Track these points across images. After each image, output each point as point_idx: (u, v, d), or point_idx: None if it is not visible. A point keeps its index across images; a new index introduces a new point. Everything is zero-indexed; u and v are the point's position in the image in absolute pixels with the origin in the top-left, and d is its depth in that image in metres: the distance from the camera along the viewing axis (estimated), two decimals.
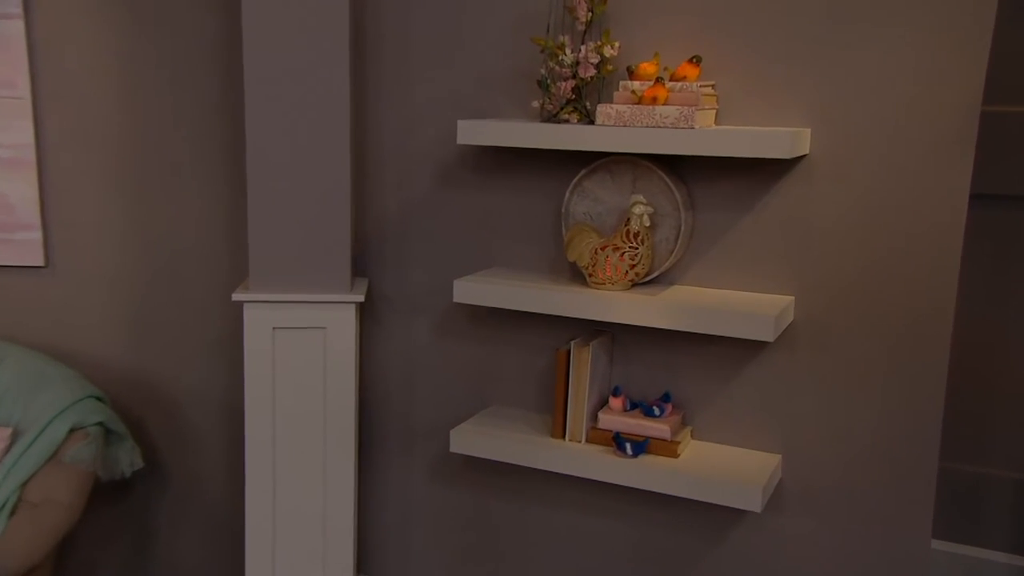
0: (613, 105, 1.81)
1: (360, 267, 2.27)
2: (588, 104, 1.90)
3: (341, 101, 2.03)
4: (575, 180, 1.96)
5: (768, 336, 1.69)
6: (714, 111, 1.86)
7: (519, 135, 1.85)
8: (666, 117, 1.77)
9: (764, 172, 1.84)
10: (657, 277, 1.94)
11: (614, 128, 1.77)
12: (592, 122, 1.86)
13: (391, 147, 2.18)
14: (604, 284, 1.89)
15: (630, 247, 1.86)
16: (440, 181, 2.14)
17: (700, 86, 1.80)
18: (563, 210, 1.97)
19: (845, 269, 1.81)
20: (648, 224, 1.86)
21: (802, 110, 1.78)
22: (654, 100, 1.80)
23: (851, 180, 1.78)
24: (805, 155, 1.80)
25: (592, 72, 1.88)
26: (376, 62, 2.17)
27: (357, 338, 2.19)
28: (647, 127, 1.75)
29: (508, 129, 1.87)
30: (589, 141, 1.79)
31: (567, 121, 1.90)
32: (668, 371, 1.97)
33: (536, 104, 1.95)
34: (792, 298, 1.84)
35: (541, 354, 2.10)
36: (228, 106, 2.33)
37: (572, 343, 1.93)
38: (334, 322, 2.10)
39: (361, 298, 2.11)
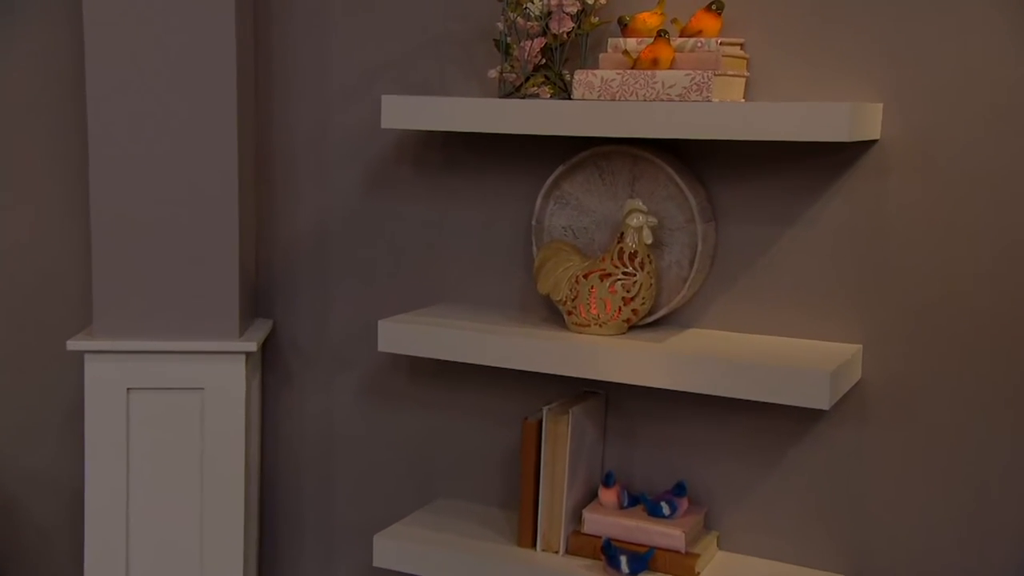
0: (597, 71, 1.69)
1: (262, 304, 2.22)
2: (567, 73, 1.81)
3: (224, 77, 1.97)
4: (550, 181, 1.86)
5: (822, 402, 1.56)
6: (742, 80, 1.74)
7: (465, 115, 1.74)
8: (671, 86, 1.64)
9: (816, 166, 1.74)
10: (665, 317, 1.85)
11: (598, 104, 1.65)
12: (570, 96, 1.78)
13: (304, 141, 2.14)
14: (588, 326, 1.78)
15: (624, 273, 1.74)
16: (370, 186, 2.08)
17: (721, 43, 1.68)
18: (534, 223, 1.88)
19: (939, 303, 1.70)
20: (650, 241, 1.75)
21: (870, 80, 1.69)
22: (655, 63, 1.67)
23: (944, 174, 1.68)
24: (875, 141, 1.70)
25: (569, 26, 1.78)
26: (283, 23, 2.12)
27: (258, 403, 2.16)
28: (645, 101, 1.63)
29: (450, 108, 1.75)
30: (562, 122, 1.67)
31: (535, 96, 1.80)
32: (683, 451, 1.88)
33: (493, 74, 1.85)
34: (859, 347, 1.74)
35: (507, 425, 2.02)
36: (79, 97, 2.22)
37: (545, 410, 1.82)
38: (215, 380, 2.03)
39: (253, 346, 2.03)
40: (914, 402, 1.73)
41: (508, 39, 1.82)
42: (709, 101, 1.61)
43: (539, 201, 1.87)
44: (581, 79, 1.70)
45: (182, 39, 1.96)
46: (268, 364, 2.22)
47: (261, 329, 2.12)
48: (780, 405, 1.79)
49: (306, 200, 2.15)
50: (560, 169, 1.85)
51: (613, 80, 1.68)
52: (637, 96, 1.66)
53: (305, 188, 2.14)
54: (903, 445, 1.75)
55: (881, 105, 1.69)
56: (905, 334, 1.72)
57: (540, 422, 1.83)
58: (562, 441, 1.81)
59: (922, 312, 1.71)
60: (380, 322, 1.84)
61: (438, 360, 2.04)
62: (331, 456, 2.19)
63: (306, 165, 2.14)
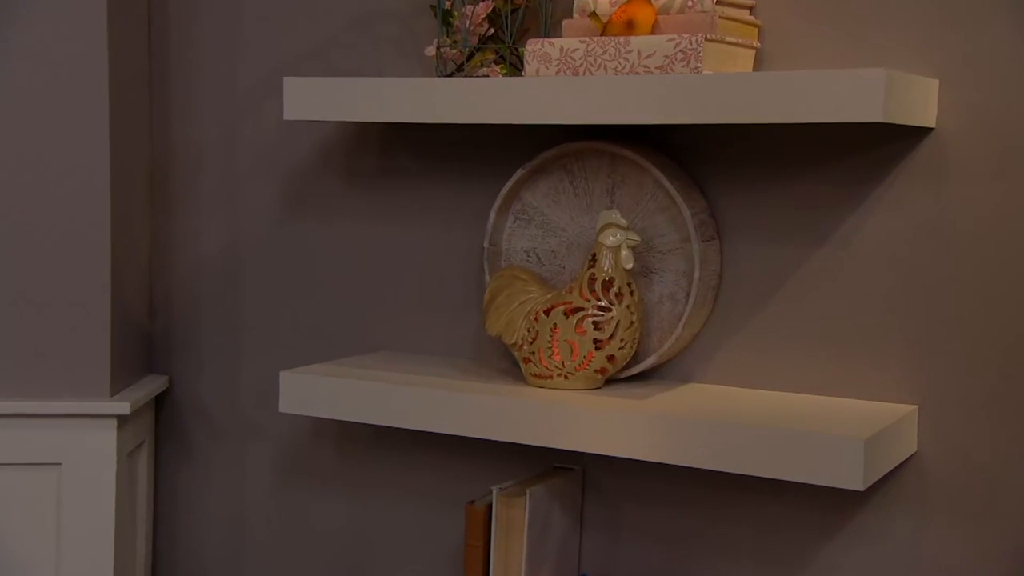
0: (555, 40, 1.64)
1: (157, 356, 2.24)
2: (523, 47, 1.74)
3: (95, 73, 1.97)
4: (505, 189, 1.82)
5: (854, 481, 1.48)
6: (751, 53, 1.68)
7: (382, 100, 1.71)
8: (649, 56, 1.57)
9: (852, 166, 1.69)
10: (654, 368, 1.80)
11: (556, 80, 1.59)
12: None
13: (209, 149, 2.17)
14: (550, 378, 1.73)
15: (598, 308, 1.68)
16: (290, 204, 2.10)
17: (719, 2, 1.63)
18: (486, 244, 1.84)
19: None
20: (630, 265, 1.68)
21: (923, 54, 1.64)
22: (629, 27, 1.62)
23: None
24: (929, 130, 1.64)
25: None
26: (182, 6, 2.17)
27: (146, 484, 2.15)
28: (617, 76, 1.57)
29: (364, 90, 1.73)
30: (508, 107, 1.63)
31: (484, 76, 1.76)
32: (682, 547, 1.85)
33: (430, 51, 1.82)
34: (913, 408, 1.67)
35: (456, 511, 1.99)
36: None
37: (495, 490, 1.76)
38: (77, 454, 1.99)
39: (126, 408, 1.98)
40: (991, 484, 1.65)
41: (446, 4, 1.76)
42: (699, 72, 1.52)
43: (492, 216, 1.81)
44: (534, 50, 1.63)
45: (34, 21, 1.96)
46: (162, 433, 2.22)
47: (147, 387, 2.09)
48: (809, 487, 1.73)
49: (212, 223, 2.15)
50: (518, 174, 1.78)
51: (575, 50, 1.60)
52: (606, 69, 1.59)
53: (210, 208, 2.15)
54: (976, 543, 1.67)
55: (937, 82, 1.61)
56: (977, 391, 1.65)
57: (488, 508, 1.76)
58: (517, 531, 1.73)
59: (1000, 361, 1.63)
60: (283, 374, 1.81)
61: (371, 426, 2.01)
62: (241, 553, 2.17)
63: (211, 179, 2.15)
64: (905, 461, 1.65)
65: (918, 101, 1.54)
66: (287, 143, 2.07)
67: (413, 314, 1.99)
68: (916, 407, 1.65)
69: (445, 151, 1.94)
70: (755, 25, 1.66)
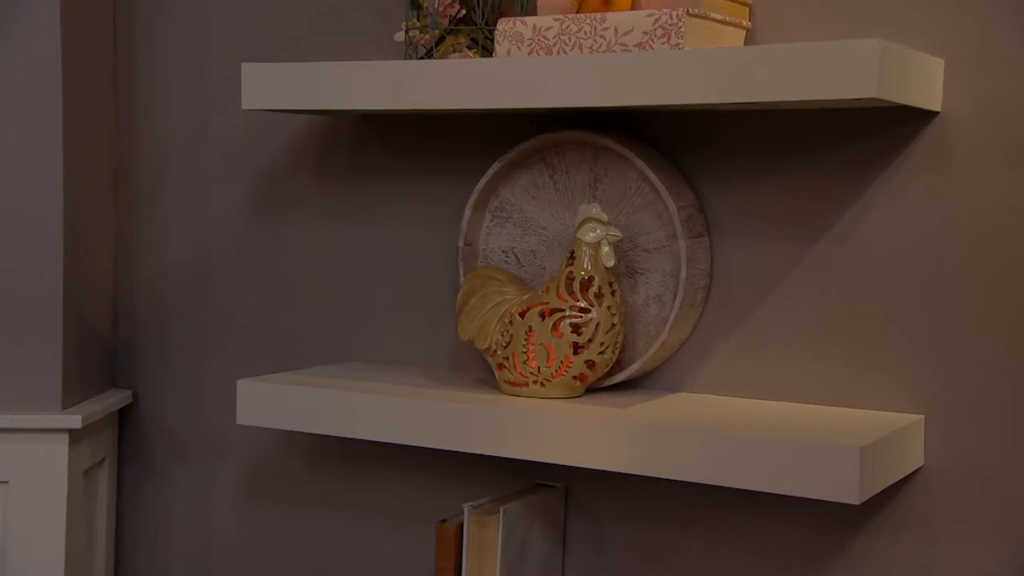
0: (528, 19, 1.61)
1: (120, 370, 2.22)
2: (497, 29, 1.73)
3: (47, 69, 1.97)
4: (481, 184, 1.79)
5: (849, 494, 1.44)
6: (741, 32, 1.65)
7: (344, 86, 1.69)
8: (627, 33, 1.54)
9: (849, 154, 1.67)
10: (639, 377, 1.78)
11: (526, 61, 1.56)
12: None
13: (175, 150, 2.17)
14: (525, 385, 1.69)
15: (575, 308, 1.64)
16: (259, 206, 2.09)
17: None
18: (461, 244, 1.81)
19: None
20: (611, 263, 1.64)
21: (930, 33, 1.61)
22: (606, 4, 1.60)
23: None
24: (935, 114, 1.61)
25: None
26: (149, 3, 2.19)
27: (107, 504, 2.12)
28: (592, 55, 1.54)
29: (325, 75, 1.71)
30: (475, 90, 1.60)
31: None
32: (669, 566, 1.82)
33: (399, 36, 1.79)
34: (919, 418, 1.64)
35: (431, 530, 1.99)
36: None
37: (467, 508, 1.72)
38: (25, 471, 1.97)
39: (78, 422, 1.96)
40: (1005, 500, 1.61)
41: None
42: (679, 48, 1.47)
43: (468, 214, 1.77)
44: (505, 29, 1.60)
45: None
46: (125, 450, 2.20)
47: (105, 401, 2.06)
48: (807, 503, 1.69)
49: (179, 225, 2.15)
50: (495, 168, 1.74)
51: (549, 29, 1.57)
52: (581, 48, 1.55)
53: (176, 213, 2.16)
54: (989, 564, 1.62)
55: (942, 61, 1.57)
56: (989, 399, 1.61)
57: (460, 527, 1.73)
58: (490, 552, 1.69)
59: (1015, 366, 1.59)
60: (240, 382, 1.78)
61: (342, 440, 1.99)
62: (208, 574, 2.16)
63: (177, 182, 2.14)
64: (911, 475, 1.61)
65: (920, 80, 1.49)
66: (255, 144, 2.06)
67: (387, 319, 1.97)
68: (922, 417, 1.61)
69: (419, 146, 1.92)
70: (746, 4, 1.63)
